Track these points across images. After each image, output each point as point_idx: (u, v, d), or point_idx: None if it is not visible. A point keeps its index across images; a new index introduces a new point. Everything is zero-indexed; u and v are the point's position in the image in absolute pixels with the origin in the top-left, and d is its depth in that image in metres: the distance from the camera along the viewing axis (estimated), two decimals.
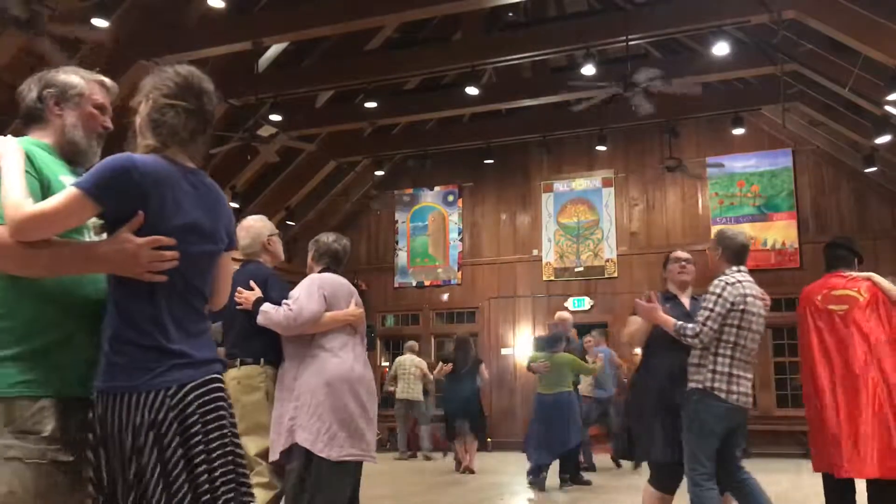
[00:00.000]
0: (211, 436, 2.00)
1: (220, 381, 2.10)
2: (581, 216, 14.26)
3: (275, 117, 10.46)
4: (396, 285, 15.11)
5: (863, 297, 4.47)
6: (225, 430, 2.04)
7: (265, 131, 10.04)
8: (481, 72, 11.26)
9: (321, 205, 15.00)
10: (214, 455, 1.99)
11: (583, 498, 7.66)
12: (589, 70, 9.62)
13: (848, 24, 8.09)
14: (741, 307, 4.03)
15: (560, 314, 9.07)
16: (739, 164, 13.33)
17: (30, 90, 2.24)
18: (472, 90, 10.54)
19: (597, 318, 13.25)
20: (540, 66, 12.64)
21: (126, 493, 1.93)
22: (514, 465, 9.50)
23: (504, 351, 14.28)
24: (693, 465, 4.01)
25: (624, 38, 9.37)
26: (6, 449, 1.92)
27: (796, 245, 12.84)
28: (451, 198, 15.21)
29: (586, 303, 13.79)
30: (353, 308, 3.97)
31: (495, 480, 9.24)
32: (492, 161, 13.52)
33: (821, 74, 10.04)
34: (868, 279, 4.55)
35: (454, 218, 15.11)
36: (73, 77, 2.24)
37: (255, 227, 4.29)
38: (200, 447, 1.97)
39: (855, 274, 4.61)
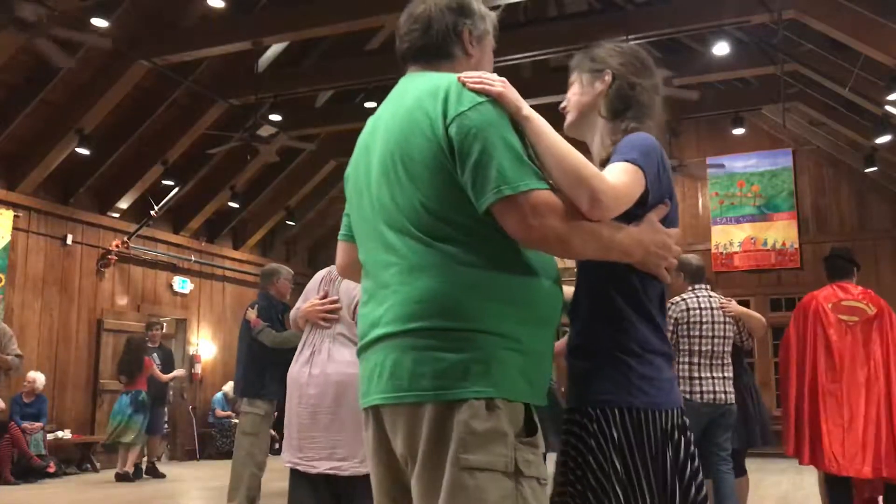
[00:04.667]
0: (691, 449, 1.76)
1: None
2: None
3: (275, 117, 10.44)
4: None
5: (871, 309, 4.61)
6: None
7: (265, 131, 10.01)
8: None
9: (321, 205, 14.96)
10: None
11: None
12: None
13: (848, 24, 8.07)
14: (685, 321, 4.64)
15: None
16: (739, 164, 13.32)
17: (439, 11, 1.67)
18: None
19: None
20: (540, 66, 12.63)
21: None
22: None
23: None
24: None
25: (624, 38, 9.35)
26: (527, 465, 1.49)
27: (796, 245, 12.83)
28: None
29: None
30: (309, 303, 3.46)
31: None
32: None
33: (821, 74, 10.02)
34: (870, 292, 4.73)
35: None
36: (483, 6, 1.74)
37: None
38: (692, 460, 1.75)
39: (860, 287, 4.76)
